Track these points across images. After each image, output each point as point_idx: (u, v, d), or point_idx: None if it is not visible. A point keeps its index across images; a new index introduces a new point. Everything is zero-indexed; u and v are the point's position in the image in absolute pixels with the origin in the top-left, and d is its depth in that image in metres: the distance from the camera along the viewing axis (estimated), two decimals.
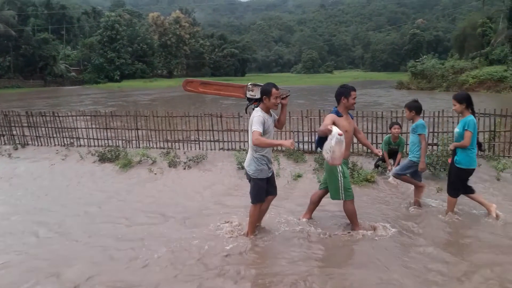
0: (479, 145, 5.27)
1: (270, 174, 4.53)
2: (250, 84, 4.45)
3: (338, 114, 4.59)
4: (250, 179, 4.49)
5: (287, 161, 7.92)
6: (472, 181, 6.52)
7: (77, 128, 10.11)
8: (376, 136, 8.58)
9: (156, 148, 9.18)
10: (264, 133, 4.22)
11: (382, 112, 8.77)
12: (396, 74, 69.44)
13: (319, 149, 4.70)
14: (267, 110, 4.33)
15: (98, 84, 64.88)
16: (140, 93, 42.92)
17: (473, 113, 4.95)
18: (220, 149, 8.99)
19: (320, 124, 8.27)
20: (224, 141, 9.03)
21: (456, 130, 5.01)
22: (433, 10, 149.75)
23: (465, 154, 4.90)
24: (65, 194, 6.82)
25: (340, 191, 4.61)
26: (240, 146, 8.85)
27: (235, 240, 4.55)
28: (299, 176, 7.10)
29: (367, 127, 8.68)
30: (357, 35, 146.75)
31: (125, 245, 4.52)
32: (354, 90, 4.65)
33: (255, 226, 4.69)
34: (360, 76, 76.63)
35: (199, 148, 9.07)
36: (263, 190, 4.49)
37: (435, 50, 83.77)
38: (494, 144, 7.86)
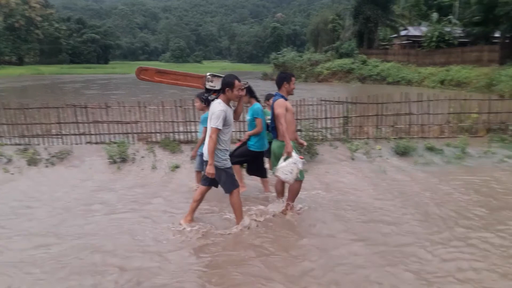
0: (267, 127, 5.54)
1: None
2: (209, 75, 4.35)
3: (285, 99, 4.88)
4: (216, 171, 4.33)
5: (164, 152, 7.80)
6: (331, 161, 7.42)
7: None
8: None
9: (11, 144, 8.13)
10: (226, 125, 4.26)
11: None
12: (260, 66, 72.82)
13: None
14: (227, 102, 4.32)
15: None
16: None
17: (257, 100, 5.55)
18: (87, 143, 8.39)
19: (195, 115, 8.40)
20: (91, 134, 8.45)
21: (248, 117, 5.58)
22: (291, 5, 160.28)
23: (258, 139, 5.48)
24: None
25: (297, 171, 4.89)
26: (110, 139, 8.37)
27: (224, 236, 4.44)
28: (176, 167, 7.06)
29: (243, 116, 9.01)
30: (222, 26, 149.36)
31: None
32: (294, 76, 5.10)
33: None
34: (228, 67, 78.49)
35: (63, 143, 8.33)
36: (234, 176, 4.51)
37: (294, 43, 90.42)
38: (347, 128, 8.90)
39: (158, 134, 8.56)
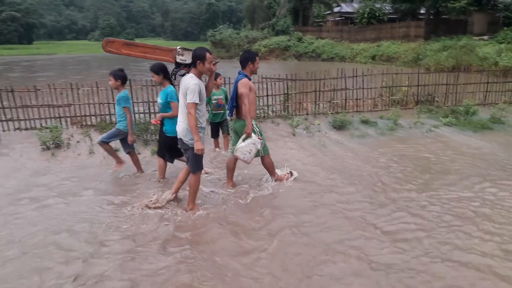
0: None
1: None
2: (179, 48, 4.23)
3: (248, 78, 4.88)
4: (187, 148, 4.31)
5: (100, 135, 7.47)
6: (273, 138, 7.55)
7: None
8: None
9: None
10: (200, 100, 4.13)
11: None
12: (197, 43, 71.29)
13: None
14: (199, 76, 4.19)
15: None
16: None
17: (171, 83, 5.14)
18: (16, 129, 7.81)
19: (132, 95, 8.13)
20: (20, 120, 7.87)
21: (159, 101, 5.19)
22: None
23: (172, 123, 4.98)
24: None
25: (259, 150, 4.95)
26: (41, 124, 7.86)
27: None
28: (116, 150, 6.80)
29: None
30: (155, 2, 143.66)
31: None
32: (258, 55, 5.03)
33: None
34: (163, 45, 75.81)
35: None
36: (202, 157, 4.36)
37: (230, 20, 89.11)
38: (288, 105, 9.07)
39: (93, 117, 8.18)
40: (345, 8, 43.88)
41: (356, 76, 9.68)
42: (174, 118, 4.95)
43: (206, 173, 5.63)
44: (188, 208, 4.46)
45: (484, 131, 8.06)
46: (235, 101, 4.90)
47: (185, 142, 4.30)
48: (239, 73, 4.98)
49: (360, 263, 3.45)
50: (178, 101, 4.72)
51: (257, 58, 5.00)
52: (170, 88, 5.11)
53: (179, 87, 4.32)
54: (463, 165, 6.07)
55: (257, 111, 8.29)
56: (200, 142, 4.12)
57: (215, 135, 6.97)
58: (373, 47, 28.45)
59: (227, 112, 6.00)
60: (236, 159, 5.08)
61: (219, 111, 6.76)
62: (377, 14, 34.97)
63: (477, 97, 10.06)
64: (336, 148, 7.12)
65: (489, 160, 6.24)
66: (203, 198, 4.86)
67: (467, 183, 5.27)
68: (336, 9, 44.57)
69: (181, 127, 4.29)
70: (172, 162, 5.43)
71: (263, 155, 5.10)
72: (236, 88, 4.85)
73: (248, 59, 4.93)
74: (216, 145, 7.02)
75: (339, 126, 8.22)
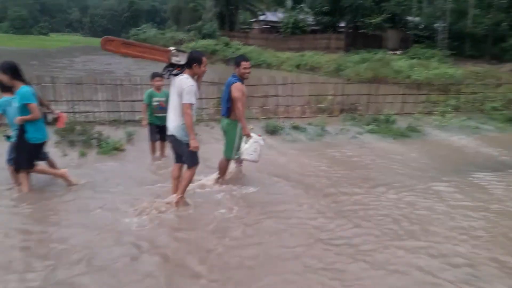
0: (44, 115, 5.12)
1: None
2: (174, 49, 4.46)
3: (241, 81, 5.11)
4: (181, 145, 4.50)
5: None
6: (208, 141, 7.53)
7: None
8: (118, 104, 8.51)
9: None
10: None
11: (121, 80, 8.76)
12: None
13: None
14: (193, 77, 4.42)
15: None
16: None
17: (25, 83, 4.70)
18: None
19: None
20: None
21: (15, 105, 4.69)
22: None
23: (36, 128, 4.77)
24: None
25: (233, 151, 5.22)
26: None
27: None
28: None
29: (106, 96, 8.50)
30: None
31: None
32: (246, 60, 5.19)
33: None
34: (81, 41, 71.61)
35: None
36: (198, 152, 4.57)
37: (154, 20, 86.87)
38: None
39: None
40: (270, 17, 45.00)
41: (286, 84, 10.01)
42: (37, 122, 4.72)
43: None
44: (177, 197, 4.64)
45: (403, 138, 8.79)
46: (228, 102, 5.12)
47: (178, 139, 4.49)
48: (232, 75, 5.18)
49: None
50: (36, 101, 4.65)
51: (243, 63, 5.13)
52: (24, 88, 4.59)
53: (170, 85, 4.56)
54: (385, 168, 6.58)
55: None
56: (195, 140, 4.39)
57: (154, 137, 6.54)
58: (297, 56, 29.43)
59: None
60: (228, 161, 5.33)
61: (162, 114, 6.17)
62: (301, 25, 36.39)
63: (395, 107, 10.92)
64: (270, 152, 7.29)
65: (408, 165, 6.83)
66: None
67: (389, 186, 5.73)
68: (261, 17, 45.53)
69: (174, 124, 4.47)
70: (32, 167, 4.92)
71: (231, 158, 5.33)
72: (229, 90, 5.06)
73: (237, 62, 5.17)
74: (154, 149, 6.61)
75: (272, 131, 8.44)
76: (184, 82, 4.32)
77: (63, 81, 8.37)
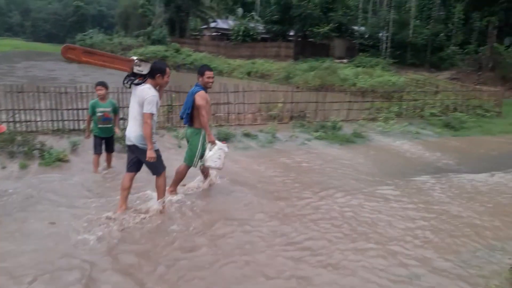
0: None
1: None
2: (137, 59, 4.39)
3: (205, 90, 5.20)
4: (143, 153, 4.43)
5: None
6: (160, 150, 7.42)
7: None
8: (62, 113, 8.21)
9: None
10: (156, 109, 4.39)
11: (65, 88, 8.45)
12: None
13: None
14: (155, 87, 4.43)
15: None
16: None
17: None
18: None
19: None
20: None
21: None
22: None
23: None
24: None
25: (196, 159, 5.24)
26: None
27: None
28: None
29: (50, 104, 8.17)
30: None
31: None
32: (210, 69, 5.30)
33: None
34: (23, 46, 67.90)
35: None
36: (162, 158, 4.65)
37: (101, 25, 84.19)
38: (172, 117, 9.02)
39: None
40: (221, 24, 45.14)
41: (237, 92, 10.10)
42: None
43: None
44: (161, 206, 4.73)
45: (348, 144, 9.13)
46: (190, 110, 5.16)
47: (140, 148, 4.48)
48: (196, 85, 5.25)
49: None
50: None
51: (207, 72, 5.23)
52: None
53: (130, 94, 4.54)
54: (333, 173, 6.83)
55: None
56: (153, 150, 4.39)
57: (98, 150, 6.21)
58: (248, 63, 29.72)
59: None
60: (188, 167, 5.33)
61: (107, 125, 6.14)
62: (251, 33, 36.81)
63: (341, 114, 11.32)
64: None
65: (354, 169, 7.12)
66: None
67: (337, 190, 5.95)
68: (212, 24, 45.54)
69: (135, 134, 4.47)
70: None
71: (193, 166, 5.35)
72: (193, 98, 5.10)
73: (199, 72, 5.27)
74: (97, 164, 6.22)
75: (224, 138, 8.45)
76: (146, 92, 4.32)
77: (3, 88, 7.94)
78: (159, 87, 4.55)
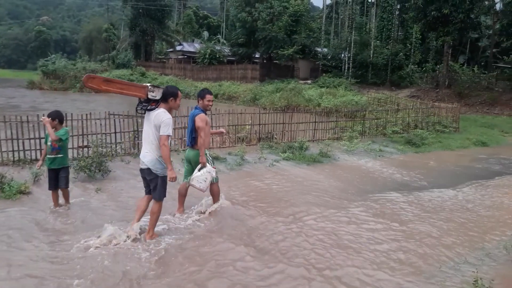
0: None
1: None
2: (150, 85, 4.59)
3: (205, 113, 5.45)
4: (154, 177, 4.61)
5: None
6: (125, 177, 7.32)
7: None
8: (23, 142, 7.95)
9: None
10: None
11: (27, 117, 8.22)
12: (24, 73, 63.98)
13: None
14: (169, 111, 4.63)
15: None
16: None
17: None
18: None
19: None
20: None
21: None
22: (58, 9, 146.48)
23: None
24: None
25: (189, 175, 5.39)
26: None
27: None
28: None
29: (11, 133, 7.90)
30: None
31: None
32: (210, 93, 5.61)
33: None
34: None
35: None
36: (166, 185, 4.74)
37: (64, 50, 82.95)
38: (138, 142, 8.91)
39: None
40: (187, 47, 45.40)
41: None
42: None
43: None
44: (148, 236, 4.68)
45: (315, 163, 9.31)
46: (193, 133, 5.39)
47: (153, 171, 4.61)
48: (196, 107, 5.54)
49: None
50: None
51: (207, 95, 5.49)
52: None
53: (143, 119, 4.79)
54: (301, 194, 6.91)
55: (105, 150, 7.98)
56: (173, 170, 4.58)
57: (51, 186, 5.74)
58: (215, 86, 29.95)
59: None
60: (187, 186, 5.47)
61: (53, 156, 5.65)
62: (218, 56, 37.21)
63: (307, 135, 11.54)
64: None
65: (321, 189, 7.24)
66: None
67: (305, 213, 6.02)
68: (178, 48, 45.74)
69: (150, 157, 4.61)
70: None
71: (214, 182, 5.58)
72: (193, 121, 5.35)
73: (199, 95, 5.54)
74: (55, 199, 5.80)
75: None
76: (162, 115, 4.53)
77: None
78: (169, 110, 4.73)
